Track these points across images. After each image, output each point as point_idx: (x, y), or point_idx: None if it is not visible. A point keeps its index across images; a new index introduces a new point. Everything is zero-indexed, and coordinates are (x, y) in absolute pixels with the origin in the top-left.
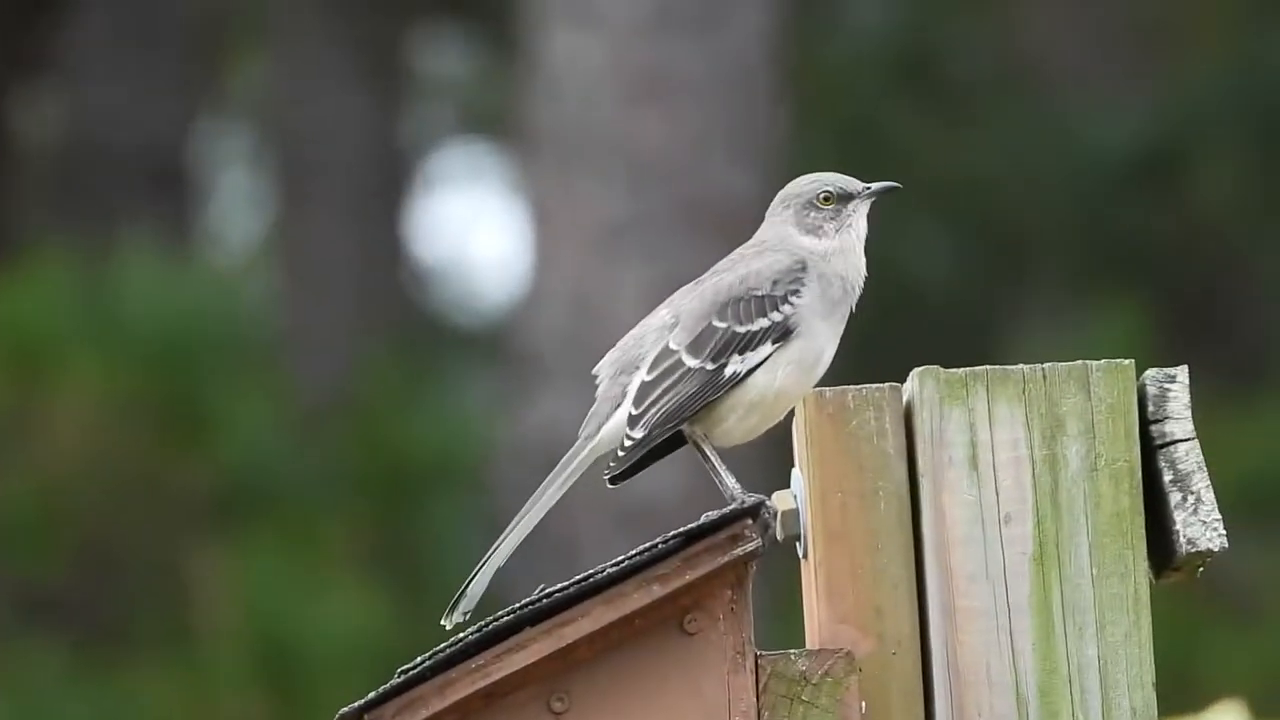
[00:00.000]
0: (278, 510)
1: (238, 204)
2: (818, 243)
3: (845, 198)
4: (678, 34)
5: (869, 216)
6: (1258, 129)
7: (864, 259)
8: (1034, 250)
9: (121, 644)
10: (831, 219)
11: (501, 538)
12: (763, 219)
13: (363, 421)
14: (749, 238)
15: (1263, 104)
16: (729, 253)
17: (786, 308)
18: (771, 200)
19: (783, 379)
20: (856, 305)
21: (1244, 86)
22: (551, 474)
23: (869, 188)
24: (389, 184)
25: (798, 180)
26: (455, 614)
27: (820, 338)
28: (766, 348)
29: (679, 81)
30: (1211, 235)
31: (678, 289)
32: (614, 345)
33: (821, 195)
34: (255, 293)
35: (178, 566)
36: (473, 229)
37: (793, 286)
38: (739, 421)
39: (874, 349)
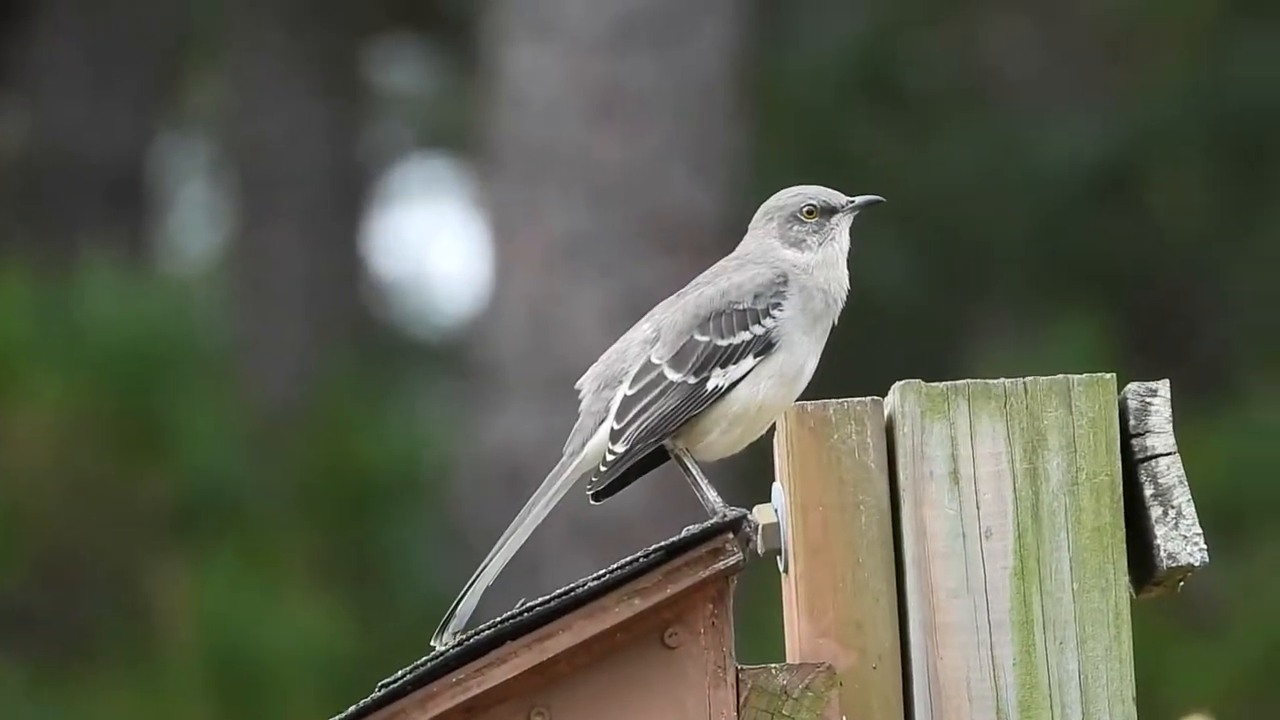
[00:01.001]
0: (236, 523)
1: (197, 217)
2: (800, 255)
3: (828, 211)
4: (638, 49)
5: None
6: (1217, 142)
7: (846, 273)
8: (995, 263)
9: (81, 657)
10: (815, 232)
11: (490, 556)
12: (723, 234)
13: (321, 435)
14: (709, 253)
15: (1221, 117)
16: (689, 268)
17: (768, 321)
18: (730, 215)
19: (765, 392)
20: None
21: (1203, 99)
22: (538, 491)
23: (852, 201)
24: (349, 198)
25: (781, 193)
26: (446, 634)
27: (801, 350)
28: (748, 361)
29: (639, 97)
30: (1171, 248)
31: (637, 304)
32: (575, 358)
33: (805, 209)
34: (215, 306)
35: (137, 580)
36: (432, 243)
37: (774, 300)
38: (722, 435)
39: (836, 362)
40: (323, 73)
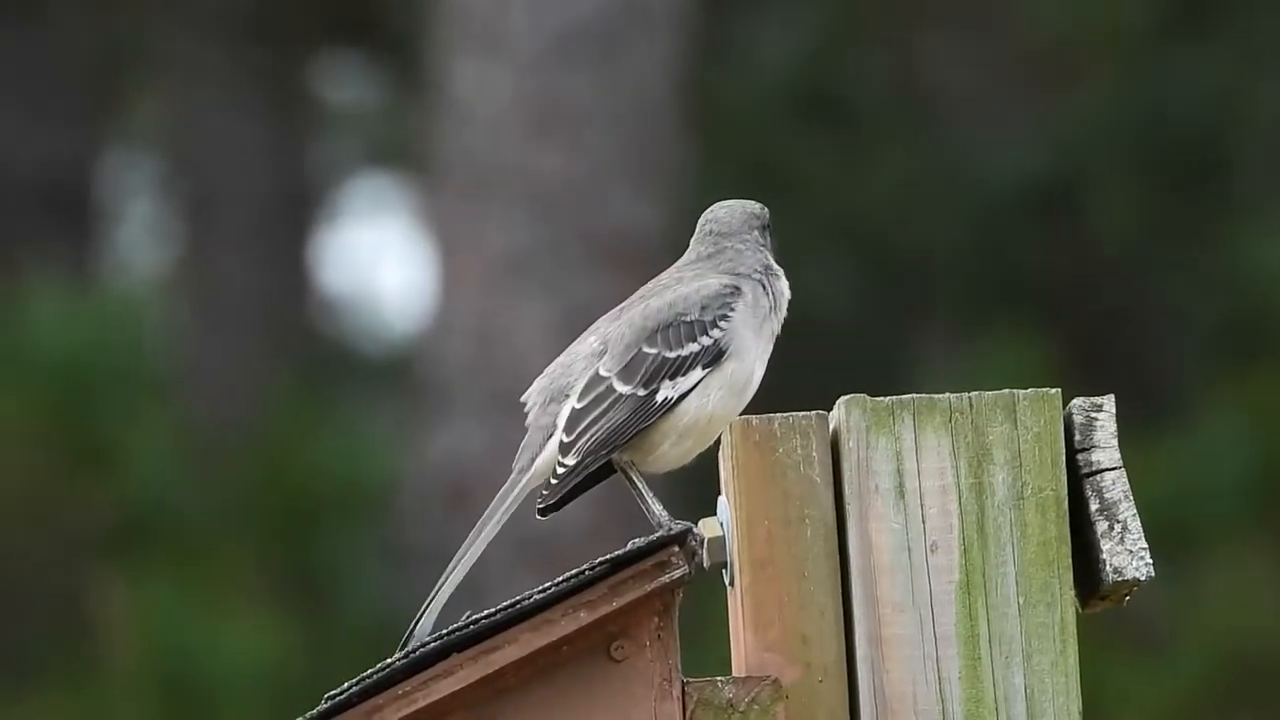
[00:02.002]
0: (181, 540)
1: (142, 234)
2: (771, 262)
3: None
4: (580, 65)
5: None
6: (1153, 159)
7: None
8: (935, 279)
9: (23, 674)
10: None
11: (444, 576)
12: (665, 249)
13: (267, 451)
14: (653, 267)
15: (1157, 134)
16: (633, 283)
17: (716, 332)
18: (673, 230)
19: (715, 403)
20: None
21: (1138, 115)
22: (489, 509)
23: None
24: (295, 214)
25: (747, 202)
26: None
27: (750, 358)
28: (697, 372)
29: (582, 112)
30: (1108, 265)
31: (580, 319)
32: (520, 373)
33: (768, 217)
34: (159, 323)
35: (79, 597)
36: (379, 259)
37: (720, 311)
38: (673, 447)
39: (781, 377)
40: (267, 88)
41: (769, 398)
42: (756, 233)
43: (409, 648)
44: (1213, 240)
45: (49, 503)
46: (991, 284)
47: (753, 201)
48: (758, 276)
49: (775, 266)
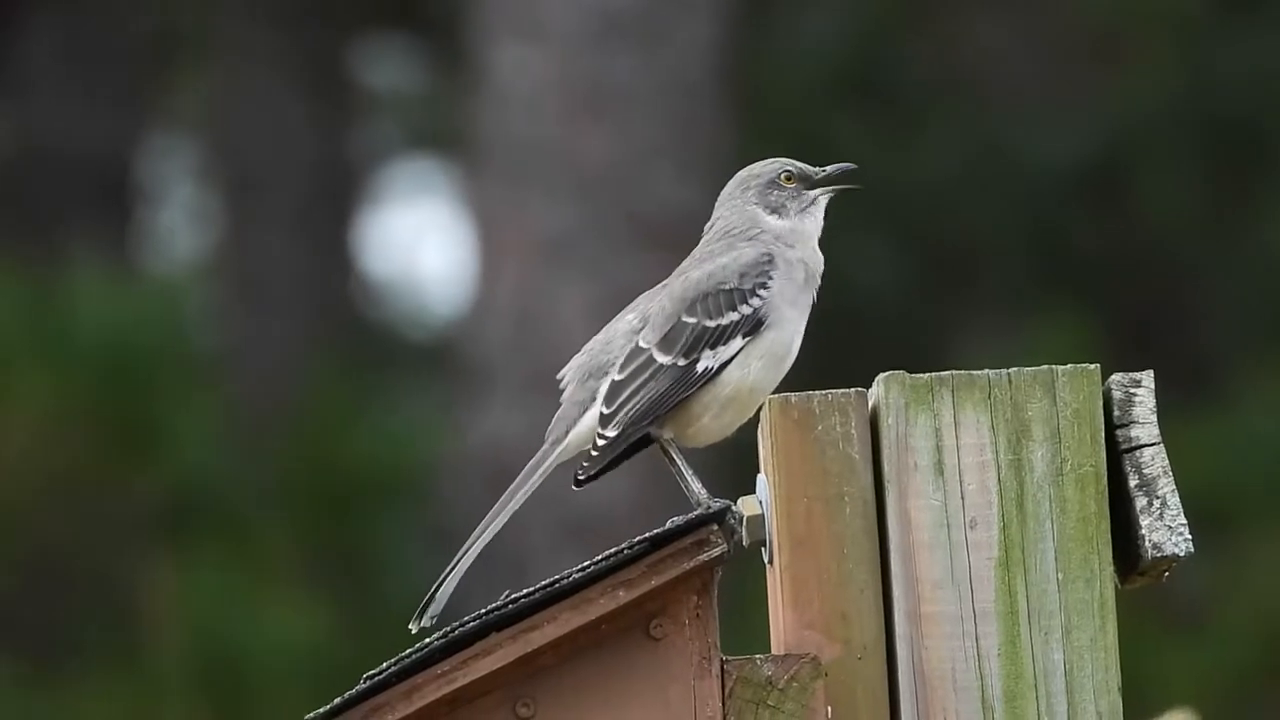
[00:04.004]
0: (223, 523)
1: (185, 218)
2: (780, 221)
3: (805, 179)
4: (623, 47)
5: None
6: (1203, 140)
7: (820, 253)
8: (981, 261)
9: (67, 656)
10: (794, 198)
11: (468, 543)
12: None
13: (309, 434)
14: (693, 250)
15: (1207, 114)
16: (674, 264)
17: (755, 300)
18: (714, 212)
19: (755, 372)
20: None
21: (1189, 97)
22: (518, 479)
23: (823, 171)
24: (336, 197)
25: (752, 165)
26: (423, 618)
27: (790, 328)
28: (737, 341)
29: (623, 94)
30: (1157, 246)
31: (621, 301)
32: (561, 356)
33: (784, 174)
34: (202, 306)
35: (124, 579)
36: (421, 243)
37: (760, 280)
38: (714, 419)
39: (822, 358)
40: (309, 72)
41: (816, 377)
42: (753, 193)
43: (428, 612)
44: (1260, 222)
45: (92, 486)
46: (1038, 265)
47: (768, 160)
48: (752, 234)
49: (772, 223)
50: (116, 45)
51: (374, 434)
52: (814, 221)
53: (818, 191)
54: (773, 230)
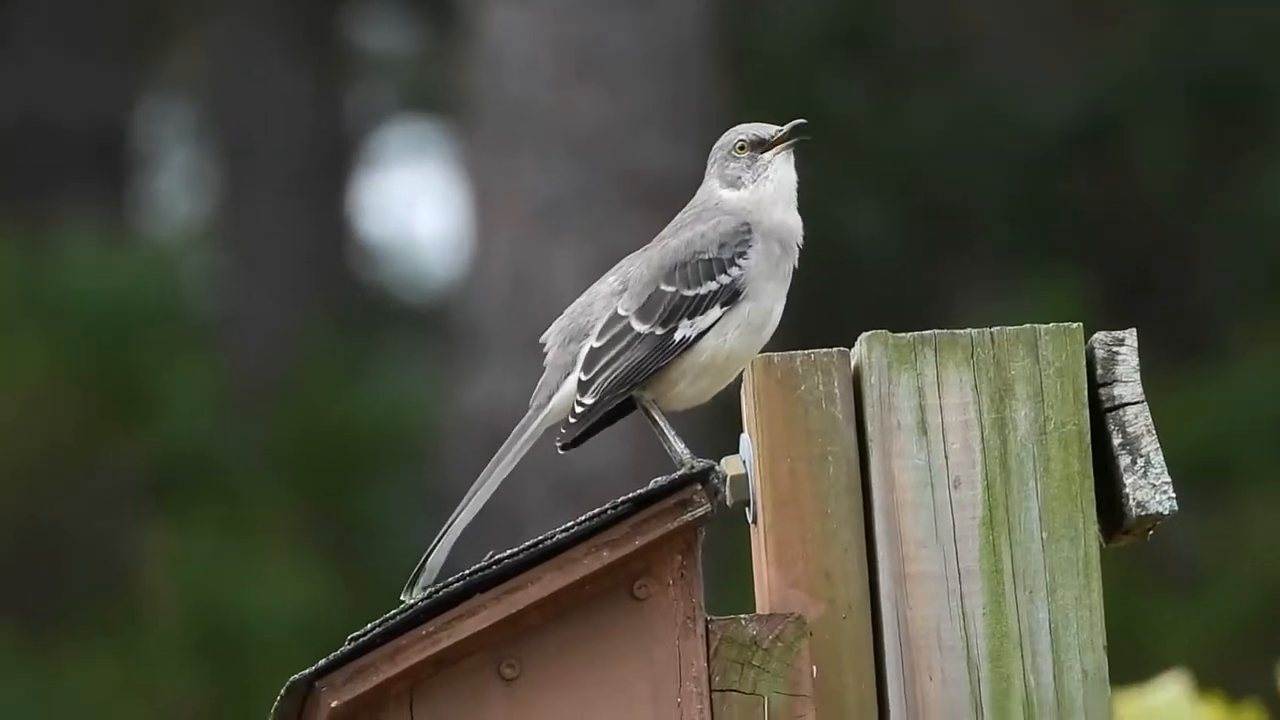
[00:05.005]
0: (218, 487)
1: (180, 181)
2: (735, 194)
3: (759, 144)
4: (615, 9)
5: (801, 170)
6: (1194, 99)
7: (798, 216)
8: (972, 221)
9: (61, 621)
10: (747, 168)
11: (458, 510)
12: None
13: (305, 398)
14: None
15: (1198, 74)
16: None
17: (734, 270)
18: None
19: (733, 341)
20: (799, 264)
21: (1178, 56)
22: (504, 445)
23: (780, 130)
24: (332, 161)
25: (725, 133)
26: (416, 588)
27: (768, 298)
28: (715, 311)
29: (616, 57)
30: (1149, 206)
31: (615, 263)
32: (556, 317)
33: (736, 144)
34: (197, 271)
35: (119, 545)
36: (416, 206)
37: (739, 249)
38: (690, 385)
39: (814, 318)
40: (304, 36)
41: (807, 337)
42: (715, 166)
43: (419, 582)
44: (1251, 181)
45: (87, 451)
46: (1030, 225)
47: (730, 130)
48: (712, 210)
49: (728, 196)
50: (113, 9)
51: (370, 398)
52: (772, 186)
53: (770, 155)
54: (727, 205)
